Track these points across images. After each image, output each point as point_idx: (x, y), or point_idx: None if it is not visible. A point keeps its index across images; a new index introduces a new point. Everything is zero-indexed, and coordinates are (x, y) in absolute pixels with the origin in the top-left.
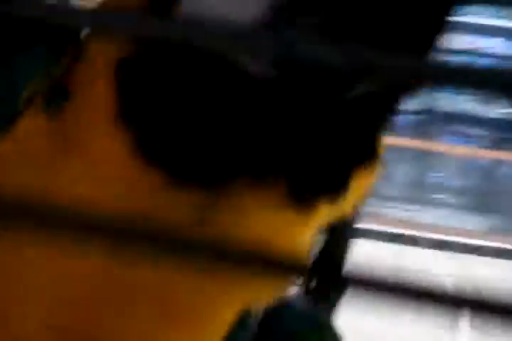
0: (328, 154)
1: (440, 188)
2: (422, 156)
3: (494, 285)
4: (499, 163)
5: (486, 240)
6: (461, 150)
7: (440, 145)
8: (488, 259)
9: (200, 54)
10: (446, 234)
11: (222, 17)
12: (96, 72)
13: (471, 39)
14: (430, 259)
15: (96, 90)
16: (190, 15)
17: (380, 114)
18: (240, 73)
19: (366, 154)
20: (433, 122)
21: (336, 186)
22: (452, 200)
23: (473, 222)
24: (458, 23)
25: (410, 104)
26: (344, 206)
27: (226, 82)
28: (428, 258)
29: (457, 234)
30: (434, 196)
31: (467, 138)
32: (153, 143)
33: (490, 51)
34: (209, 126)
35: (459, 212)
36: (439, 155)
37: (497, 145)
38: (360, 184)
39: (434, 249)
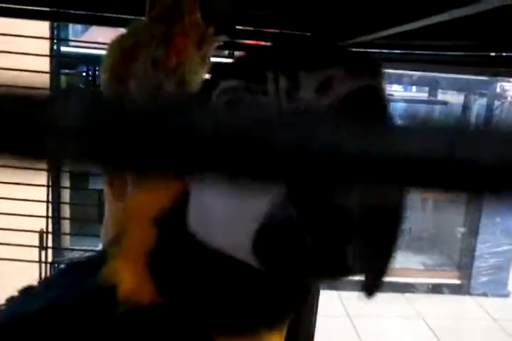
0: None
1: None
2: None
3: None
4: (426, 201)
5: (422, 278)
6: None
7: None
8: (425, 295)
9: (216, 253)
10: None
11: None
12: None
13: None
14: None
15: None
16: (198, 224)
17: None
18: (241, 266)
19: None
20: None
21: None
22: None
23: (408, 260)
24: None
25: None
26: None
27: (235, 272)
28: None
29: (394, 274)
30: None
31: None
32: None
33: (400, 95)
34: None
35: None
36: None
37: None
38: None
39: None
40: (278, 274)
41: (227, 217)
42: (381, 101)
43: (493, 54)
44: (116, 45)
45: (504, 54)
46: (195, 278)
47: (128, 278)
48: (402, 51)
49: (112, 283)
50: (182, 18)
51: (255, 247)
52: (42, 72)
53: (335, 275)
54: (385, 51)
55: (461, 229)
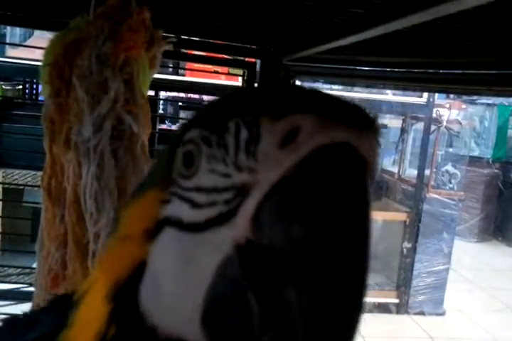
0: None
1: None
2: None
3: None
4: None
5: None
6: None
7: None
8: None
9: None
10: None
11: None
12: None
13: None
14: None
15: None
16: (149, 302)
17: None
18: None
19: None
20: None
21: None
22: None
23: None
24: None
25: None
26: None
27: None
28: None
29: None
30: None
31: None
32: None
33: None
34: None
35: None
36: None
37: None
38: None
39: None
40: None
41: (175, 290)
42: (358, 166)
43: (431, 71)
44: (57, 41)
45: (441, 71)
46: None
47: None
48: (346, 66)
49: None
50: (131, 15)
51: (204, 323)
52: None
53: None
54: (328, 66)
55: (400, 242)
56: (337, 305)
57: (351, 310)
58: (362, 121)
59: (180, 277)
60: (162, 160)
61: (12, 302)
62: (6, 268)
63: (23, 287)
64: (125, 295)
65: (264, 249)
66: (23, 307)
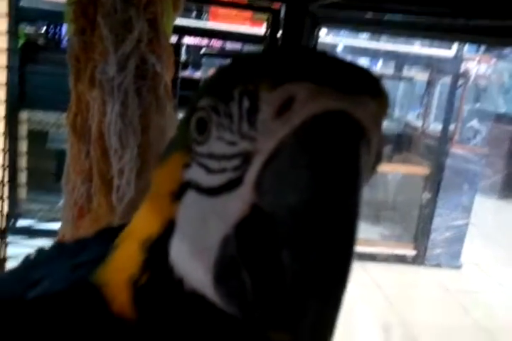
0: None
1: None
2: None
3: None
4: (386, 174)
5: (379, 247)
6: None
7: None
8: (381, 265)
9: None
10: None
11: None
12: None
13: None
14: None
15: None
16: (178, 257)
17: None
18: (216, 310)
19: None
20: None
21: None
22: None
23: (367, 231)
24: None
25: None
26: None
27: (207, 315)
28: None
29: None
30: None
31: None
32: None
33: None
34: None
35: None
36: None
37: (384, 158)
38: None
39: None
40: (239, 314)
41: (194, 250)
42: (350, 134)
43: (460, 21)
44: None
45: (470, 21)
46: (166, 311)
47: (113, 292)
48: (373, 14)
49: (102, 290)
50: None
51: (216, 282)
52: None
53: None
54: (355, 13)
55: (421, 196)
56: (327, 266)
57: (340, 273)
58: (361, 87)
59: (197, 234)
60: (183, 125)
61: (39, 236)
62: (31, 206)
63: (47, 222)
64: (157, 248)
65: (267, 214)
66: (46, 243)
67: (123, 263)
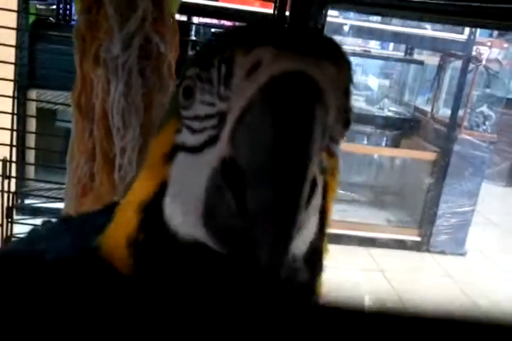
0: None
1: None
2: None
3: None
4: (393, 159)
5: (384, 233)
6: (357, 148)
7: None
8: (385, 250)
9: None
10: (349, 228)
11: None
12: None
13: (360, 42)
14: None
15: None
16: (171, 212)
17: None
18: (209, 250)
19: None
20: None
21: None
22: (352, 196)
23: (372, 216)
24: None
25: None
26: None
27: (200, 256)
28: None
29: (357, 228)
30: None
31: (362, 136)
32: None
33: (377, 53)
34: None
35: (358, 207)
36: None
37: (392, 142)
38: None
39: (337, 243)
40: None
41: (184, 199)
42: (308, 93)
43: (475, 4)
44: None
45: (484, 5)
46: (162, 261)
47: (114, 254)
48: None
49: (103, 253)
50: None
51: (204, 223)
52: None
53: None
54: None
55: (427, 182)
56: (280, 201)
57: (289, 204)
58: (321, 52)
59: (186, 188)
60: (175, 94)
61: (44, 216)
62: (39, 184)
63: (54, 202)
64: (152, 208)
65: (238, 164)
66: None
67: (121, 226)
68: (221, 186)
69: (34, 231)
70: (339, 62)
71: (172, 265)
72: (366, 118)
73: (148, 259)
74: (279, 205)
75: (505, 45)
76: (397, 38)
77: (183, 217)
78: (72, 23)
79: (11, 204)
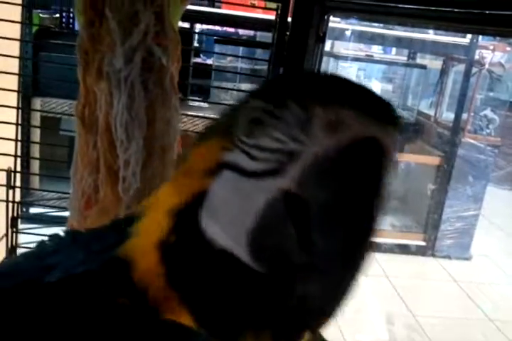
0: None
1: None
2: None
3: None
4: (398, 165)
5: (389, 238)
6: None
7: None
8: (390, 255)
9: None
10: None
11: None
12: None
13: (363, 46)
14: None
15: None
16: (209, 222)
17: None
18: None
19: None
20: None
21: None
22: None
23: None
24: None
25: None
26: None
27: (236, 270)
28: None
29: None
30: None
31: None
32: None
33: (380, 57)
34: (228, 297)
35: None
36: None
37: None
38: None
39: None
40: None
41: (230, 216)
42: (378, 155)
43: (476, 11)
44: None
45: (487, 12)
46: (199, 272)
47: (142, 261)
48: (386, 4)
49: (130, 260)
50: None
51: (250, 243)
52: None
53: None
54: (369, 3)
55: (431, 186)
56: (346, 250)
57: (355, 258)
58: (389, 119)
59: (232, 206)
60: (229, 117)
61: (48, 225)
62: (44, 193)
63: (59, 211)
64: (186, 214)
65: (303, 199)
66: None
67: (150, 230)
68: (281, 216)
69: (42, 245)
70: (399, 126)
71: (203, 269)
72: None
73: (179, 261)
74: (346, 253)
75: (508, 49)
76: (399, 42)
77: (223, 231)
78: (75, 29)
79: (15, 214)
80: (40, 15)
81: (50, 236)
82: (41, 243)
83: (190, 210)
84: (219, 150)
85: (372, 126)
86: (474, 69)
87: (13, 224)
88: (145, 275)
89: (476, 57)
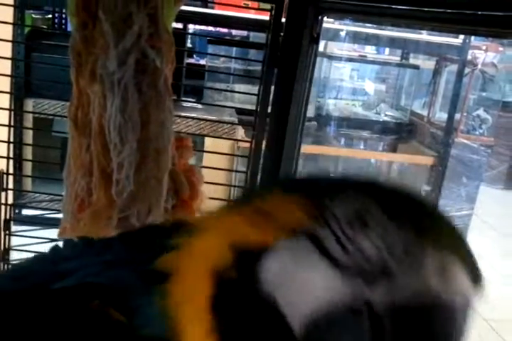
0: None
1: None
2: (317, 160)
3: None
4: (391, 164)
5: None
6: (355, 153)
7: (334, 149)
8: None
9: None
10: None
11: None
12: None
13: (356, 47)
14: None
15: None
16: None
17: None
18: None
19: None
20: (325, 127)
21: None
22: None
23: None
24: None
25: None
26: None
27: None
28: None
29: None
30: None
31: (359, 142)
32: None
33: (373, 57)
34: None
35: None
36: (334, 158)
37: (389, 147)
38: None
39: None
40: None
41: (296, 285)
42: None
43: (468, 12)
44: None
45: (480, 12)
46: (243, 318)
47: (188, 279)
48: (379, 5)
49: (170, 274)
50: None
51: (306, 328)
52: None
53: None
54: (363, 4)
55: (425, 186)
56: None
57: None
58: (478, 277)
59: (303, 282)
60: (313, 176)
61: (41, 227)
62: (36, 195)
63: (51, 213)
64: (247, 256)
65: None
66: (51, 232)
67: (205, 251)
68: (357, 326)
69: (56, 250)
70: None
71: (249, 316)
72: (363, 124)
73: (227, 302)
74: None
75: (501, 49)
76: (392, 42)
77: (281, 295)
78: (68, 31)
79: (8, 217)
80: (33, 15)
81: (64, 241)
82: (55, 247)
83: (252, 254)
84: (302, 211)
85: (467, 283)
86: (467, 70)
87: (5, 226)
88: (185, 294)
89: (469, 57)
